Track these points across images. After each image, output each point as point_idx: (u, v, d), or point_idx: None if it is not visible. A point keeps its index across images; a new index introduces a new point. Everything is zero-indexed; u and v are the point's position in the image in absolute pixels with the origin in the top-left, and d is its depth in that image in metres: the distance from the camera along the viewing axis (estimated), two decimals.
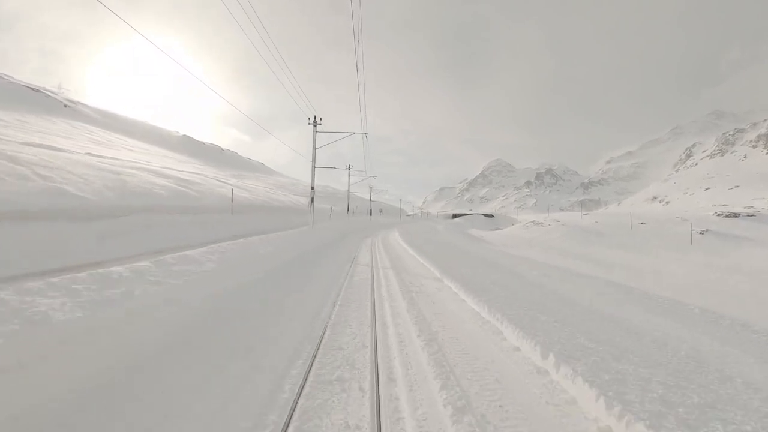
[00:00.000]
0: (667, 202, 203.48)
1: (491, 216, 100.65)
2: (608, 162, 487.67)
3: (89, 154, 17.60)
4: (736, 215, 59.55)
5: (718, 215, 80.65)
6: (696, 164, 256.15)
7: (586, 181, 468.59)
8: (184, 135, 68.36)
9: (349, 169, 40.95)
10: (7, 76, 42.85)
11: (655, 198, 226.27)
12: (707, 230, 60.66)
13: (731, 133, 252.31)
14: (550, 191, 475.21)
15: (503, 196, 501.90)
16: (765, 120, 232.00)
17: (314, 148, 19.19)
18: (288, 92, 18.31)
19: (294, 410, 3.46)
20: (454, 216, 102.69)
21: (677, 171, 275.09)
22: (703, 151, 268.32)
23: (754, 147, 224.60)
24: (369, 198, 49.22)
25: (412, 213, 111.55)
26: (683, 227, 66.48)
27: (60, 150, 15.98)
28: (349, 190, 41.68)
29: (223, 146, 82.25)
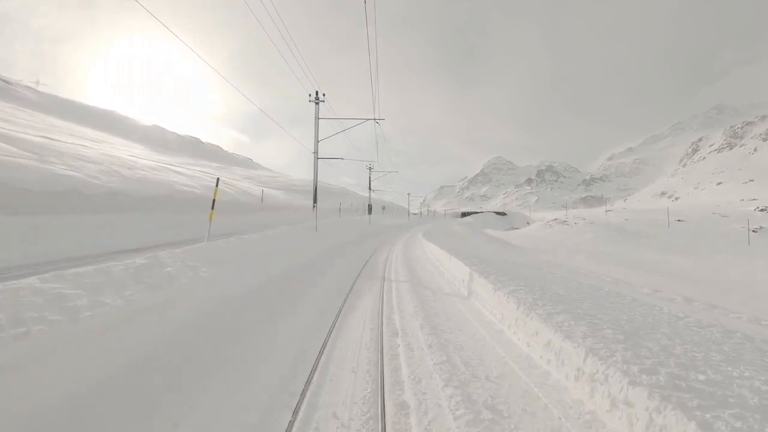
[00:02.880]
0: (676, 198, 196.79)
1: (503, 214, 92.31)
2: (609, 158, 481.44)
3: None
4: None
5: (762, 210, 73.39)
6: (703, 158, 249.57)
7: (587, 177, 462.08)
8: (155, 125, 60.12)
9: (317, 101, 19.95)
10: None
11: (663, 193, 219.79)
12: (760, 227, 53.23)
13: (739, 126, 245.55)
14: (551, 188, 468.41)
15: (504, 193, 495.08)
16: None
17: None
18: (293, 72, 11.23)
19: None
20: (464, 214, 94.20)
21: (684, 166, 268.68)
22: (710, 145, 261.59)
23: (764, 140, 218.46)
24: (368, 190, 38.53)
25: (417, 212, 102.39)
26: (728, 224, 59.12)
27: None
28: (317, 154, 20.19)
29: (204, 141, 73.67)
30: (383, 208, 53.53)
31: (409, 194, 62.79)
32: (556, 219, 63.05)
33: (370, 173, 34.06)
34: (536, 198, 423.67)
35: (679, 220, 63.64)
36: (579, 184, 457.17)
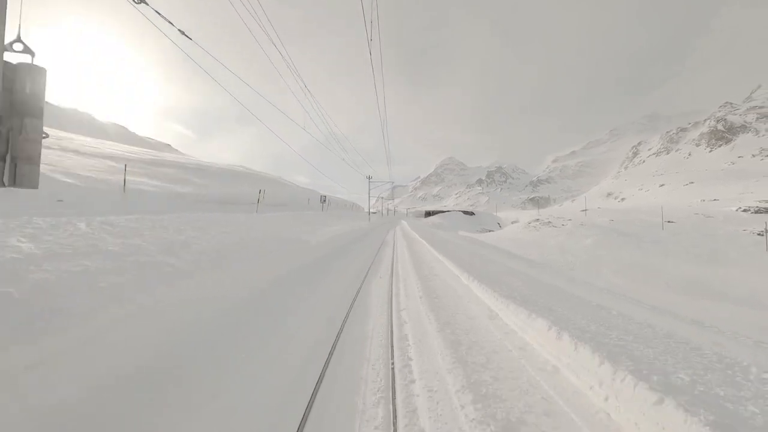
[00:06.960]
0: (622, 199, 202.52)
1: (471, 214, 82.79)
2: (554, 161, 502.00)
3: None
4: None
5: (744, 211, 69.31)
6: (643, 162, 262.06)
7: (534, 179, 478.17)
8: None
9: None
10: None
11: (610, 194, 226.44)
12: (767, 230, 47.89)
13: (674, 132, 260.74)
14: (501, 189, 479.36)
15: (456, 193, 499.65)
16: (706, 120, 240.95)
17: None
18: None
19: None
20: (428, 214, 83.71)
21: (626, 168, 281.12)
22: (649, 149, 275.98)
23: (697, 145, 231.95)
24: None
25: (375, 210, 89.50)
26: (723, 226, 52.93)
27: None
28: None
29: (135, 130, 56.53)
30: (324, 199, 36.25)
31: (369, 177, 45.67)
32: (538, 219, 53.25)
33: None
34: (487, 198, 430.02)
35: (669, 221, 57.65)
36: (527, 185, 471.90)
